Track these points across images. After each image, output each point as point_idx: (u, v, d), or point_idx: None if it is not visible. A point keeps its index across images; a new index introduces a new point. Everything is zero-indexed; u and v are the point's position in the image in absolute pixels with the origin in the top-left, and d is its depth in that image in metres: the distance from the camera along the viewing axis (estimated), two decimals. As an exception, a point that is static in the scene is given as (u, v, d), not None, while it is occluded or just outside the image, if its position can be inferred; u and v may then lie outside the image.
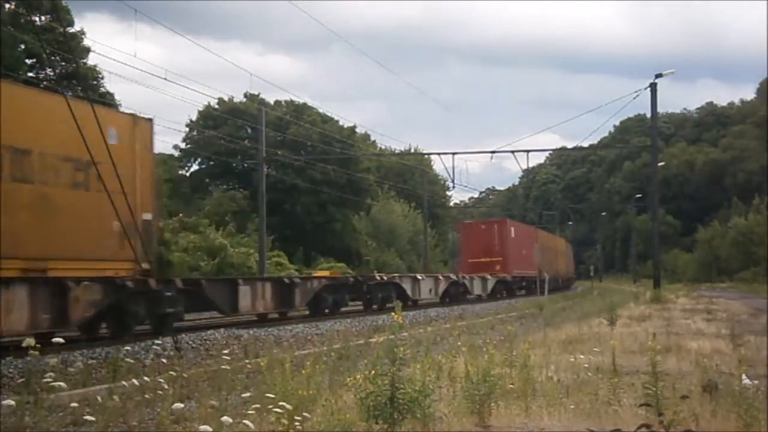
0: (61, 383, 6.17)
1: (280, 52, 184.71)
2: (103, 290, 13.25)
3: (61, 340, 7.43)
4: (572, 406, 6.64)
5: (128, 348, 11.92)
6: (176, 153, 64.52)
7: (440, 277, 31.51)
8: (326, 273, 26.79)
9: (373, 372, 5.46)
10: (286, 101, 66.74)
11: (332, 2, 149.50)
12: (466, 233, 45.10)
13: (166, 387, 7.27)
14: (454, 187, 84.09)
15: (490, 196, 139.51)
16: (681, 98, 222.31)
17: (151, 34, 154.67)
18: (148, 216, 14.37)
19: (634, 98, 34.38)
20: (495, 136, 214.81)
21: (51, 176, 12.35)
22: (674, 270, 79.42)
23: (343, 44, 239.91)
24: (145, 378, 7.73)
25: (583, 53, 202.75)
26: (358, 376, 5.83)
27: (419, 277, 29.30)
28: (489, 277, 38.23)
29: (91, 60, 39.43)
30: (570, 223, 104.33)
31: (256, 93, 60.73)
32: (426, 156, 70.73)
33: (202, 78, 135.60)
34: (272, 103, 65.16)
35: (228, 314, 18.36)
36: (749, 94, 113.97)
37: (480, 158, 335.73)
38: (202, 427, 4.80)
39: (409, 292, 27.78)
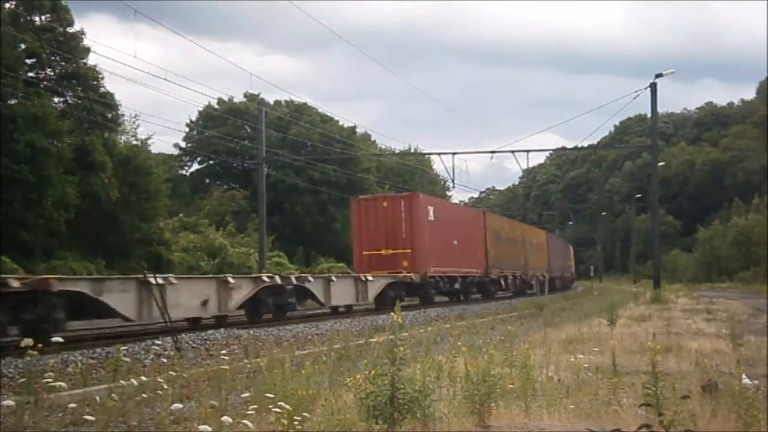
0: (62, 383, 6.18)
1: (281, 52, 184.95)
2: None
3: (60, 339, 7.44)
4: (572, 406, 6.64)
5: (128, 348, 11.91)
6: (176, 152, 64.69)
7: (230, 280, 17.90)
8: None
9: (373, 372, 5.46)
10: (286, 101, 66.87)
11: (333, 2, 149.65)
12: (361, 213, 30.16)
13: (166, 387, 7.27)
14: (454, 187, 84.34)
15: (490, 196, 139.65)
16: (681, 98, 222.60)
17: (152, 35, 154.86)
18: None
19: (634, 98, 34.43)
20: (495, 136, 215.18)
21: None
22: (674, 270, 79.41)
23: (343, 44, 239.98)
24: (145, 378, 7.72)
25: (583, 53, 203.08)
26: (358, 376, 5.83)
27: (160, 281, 14.79)
28: (369, 278, 24.86)
29: (91, 60, 39.52)
30: (570, 223, 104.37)
31: (256, 93, 60.78)
32: (426, 156, 70.86)
33: (203, 78, 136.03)
34: (272, 103, 65.26)
35: None
36: (749, 94, 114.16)
37: (480, 158, 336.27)
38: (202, 427, 4.80)
39: (128, 312, 14.44)
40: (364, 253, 29.49)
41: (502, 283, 39.46)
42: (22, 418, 5.46)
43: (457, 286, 32.60)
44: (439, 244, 30.23)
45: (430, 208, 30.57)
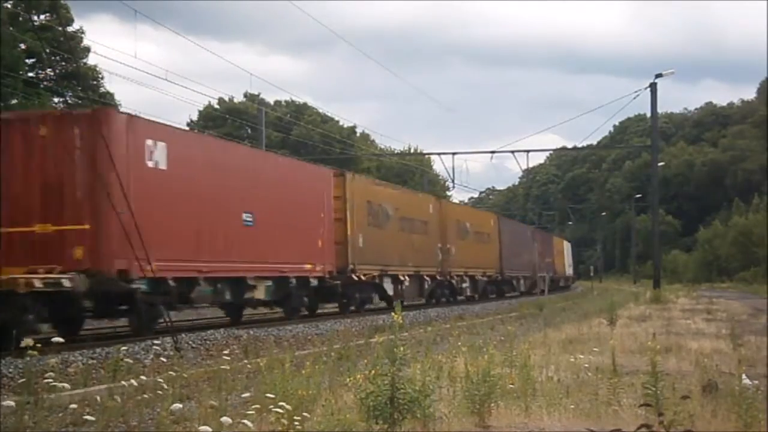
0: (64, 384, 6.18)
1: (283, 52, 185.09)
2: None
3: (60, 339, 7.44)
4: (572, 406, 6.64)
5: (128, 348, 11.92)
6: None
7: None
8: None
9: (373, 372, 5.46)
10: (286, 101, 66.90)
11: (334, 3, 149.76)
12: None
13: (166, 387, 7.27)
14: (454, 187, 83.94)
15: (490, 196, 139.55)
16: (681, 98, 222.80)
17: (154, 35, 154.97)
18: None
19: (634, 98, 34.50)
20: (495, 136, 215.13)
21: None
22: (674, 270, 79.43)
23: (344, 45, 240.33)
24: (145, 378, 7.72)
25: (583, 53, 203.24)
26: (358, 376, 5.83)
27: None
28: None
29: (91, 60, 39.56)
30: (570, 223, 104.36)
31: (257, 93, 60.80)
32: (426, 156, 70.82)
33: (205, 79, 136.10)
34: (272, 103, 65.27)
35: None
36: (750, 94, 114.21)
37: (480, 158, 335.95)
38: (203, 428, 4.80)
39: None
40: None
41: (387, 287, 25.05)
42: (22, 418, 5.46)
43: (258, 294, 18.20)
44: (178, 214, 15.58)
45: (156, 146, 15.01)
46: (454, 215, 33.04)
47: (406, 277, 26.29)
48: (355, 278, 22.73)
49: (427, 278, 28.74)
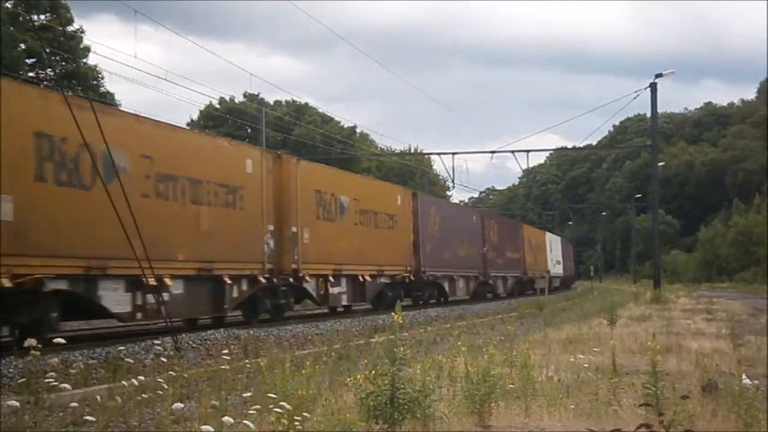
0: (66, 384, 6.19)
1: (284, 53, 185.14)
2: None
3: (62, 340, 7.45)
4: (572, 406, 6.64)
5: (128, 348, 11.91)
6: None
7: None
8: None
9: (373, 372, 5.47)
10: (286, 101, 66.91)
11: (335, 3, 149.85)
12: None
13: (166, 387, 7.28)
14: (454, 187, 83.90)
15: (490, 196, 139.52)
16: (681, 98, 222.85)
17: (155, 36, 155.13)
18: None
19: (634, 98, 34.48)
20: (495, 136, 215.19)
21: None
22: (674, 270, 79.44)
23: (345, 45, 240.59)
24: (145, 378, 7.72)
25: (584, 53, 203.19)
26: (358, 376, 5.84)
27: None
28: None
29: (92, 60, 39.59)
30: (570, 223, 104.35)
31: (256, 93, 60.80)
32: (426, 156, 70.84)
33: (205, 79, 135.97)
34: (272, 103, 65.30)
35: None
36: (750, 94, 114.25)
37: (480, 158, 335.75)
38: (204, 427, 4.81)
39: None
40: None
41: (109, 299, 13.56)
42: (23, 418, 5.46)
43: None
44: None
45: None
46: (311, 183, 20.58)
47: (172, 281, 14.92)
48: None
49: (230, 281, 16.89)
